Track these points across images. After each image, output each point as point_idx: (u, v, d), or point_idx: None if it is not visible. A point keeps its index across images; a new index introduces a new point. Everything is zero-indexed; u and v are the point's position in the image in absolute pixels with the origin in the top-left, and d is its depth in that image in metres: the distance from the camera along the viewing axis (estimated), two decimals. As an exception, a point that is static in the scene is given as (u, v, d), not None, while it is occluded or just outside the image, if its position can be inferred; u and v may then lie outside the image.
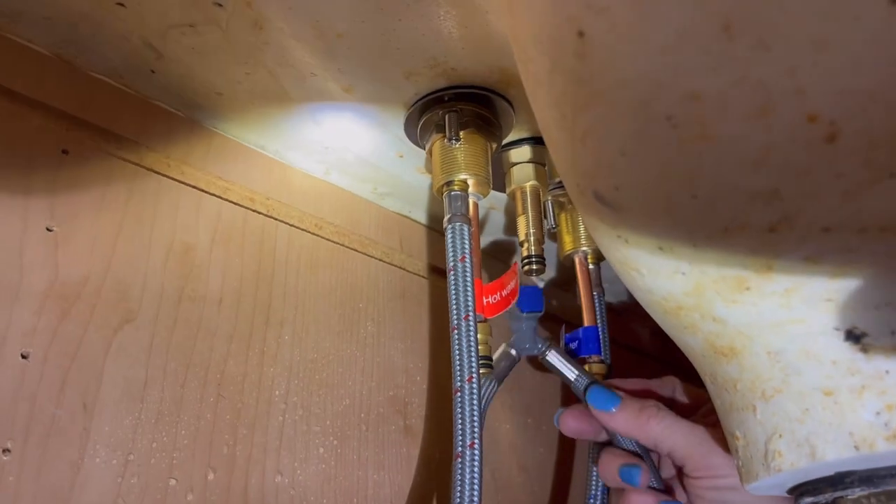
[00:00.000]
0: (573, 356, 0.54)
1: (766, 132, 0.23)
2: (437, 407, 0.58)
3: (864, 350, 0.29)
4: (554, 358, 0.51)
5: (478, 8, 0.39)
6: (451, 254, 0.45)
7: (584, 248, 0.58)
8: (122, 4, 0.40)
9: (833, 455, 0.30)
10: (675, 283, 0.32)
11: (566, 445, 0.68)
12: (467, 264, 0.45)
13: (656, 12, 0.22)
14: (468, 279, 0.44)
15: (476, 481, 0.41)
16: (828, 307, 0.29)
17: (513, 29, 0.30)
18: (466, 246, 0.45)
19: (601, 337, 0.57)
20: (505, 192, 0.57)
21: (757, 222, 0.26)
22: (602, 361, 0.55)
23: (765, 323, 0.31)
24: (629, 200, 0.29)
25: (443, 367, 0.60)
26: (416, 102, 0.48)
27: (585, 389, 0.49)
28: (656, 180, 0.27)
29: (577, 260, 0.59)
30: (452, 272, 0.44)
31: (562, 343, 0.56)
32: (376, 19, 0.40)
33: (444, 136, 0.47)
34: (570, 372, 0.51)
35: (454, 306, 0.44)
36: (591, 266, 0.59)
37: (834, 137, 0.22)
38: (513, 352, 0.50)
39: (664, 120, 0.24)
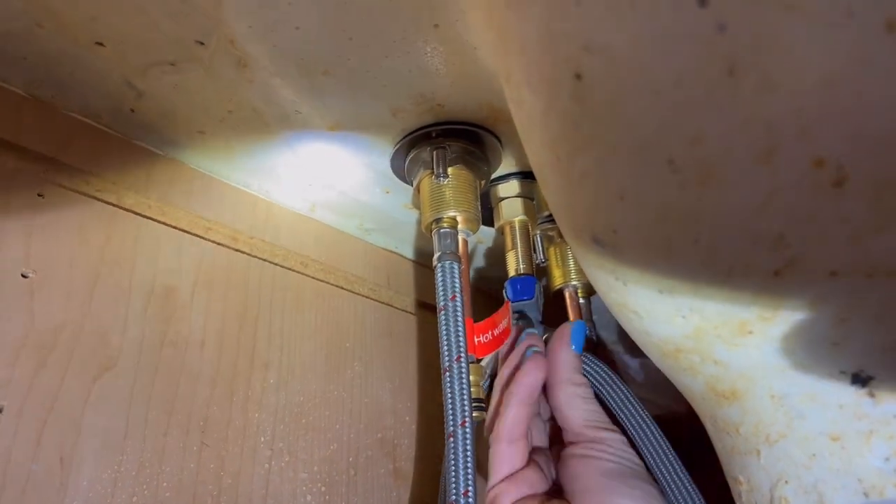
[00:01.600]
0: None
1: (772, 176, 0.22)
2: (427, 448, 0.56)
3: (872, 394, 0.28)
4: None
5: (466, 44, 0.38)
6: (441, 293, 0.44)
7: (574, 283, 0.57)
8: (101, 43, 0.39)
9: (842, 503, 0.29)
10: (674, 326, 0.31)
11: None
12: (458, 303, 0.43)
13: (658, 53, 0.21)
14: (459, 318, 0.43)
15: (471, 530, 0.39)
16: (833, 350, 0.28)
17: (504, 69, 0.29)
18: (457, 284, 0.44)
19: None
20: (493, 226, 0.56)
21: (761, 266, 0.25)
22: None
23: (768, 366, 0.30)
24: (628, 243, 0.28)
25: (432, 406, 0.59)
26: (403, 139, 0.47)
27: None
28: (656, 224, 0.26)
29: (567, 294, 0.58)
30: (443, 311, 0.43)
31: None
32: (362, 56, 0.39)
33: (432, 173, 0.46)
34: None
35: (445, 347, 0.43)
36: (581, 300, 0.58)
37: (841, 182, 0.21)
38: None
39: (665, 163, 0.23)
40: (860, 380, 0.28)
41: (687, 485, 0.46)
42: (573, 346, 0.46)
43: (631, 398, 0.49)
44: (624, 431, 0.45)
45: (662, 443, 0.47)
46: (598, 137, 0.25)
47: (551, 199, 0.31)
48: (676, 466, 0.47)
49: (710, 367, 0.32)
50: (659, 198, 0.25)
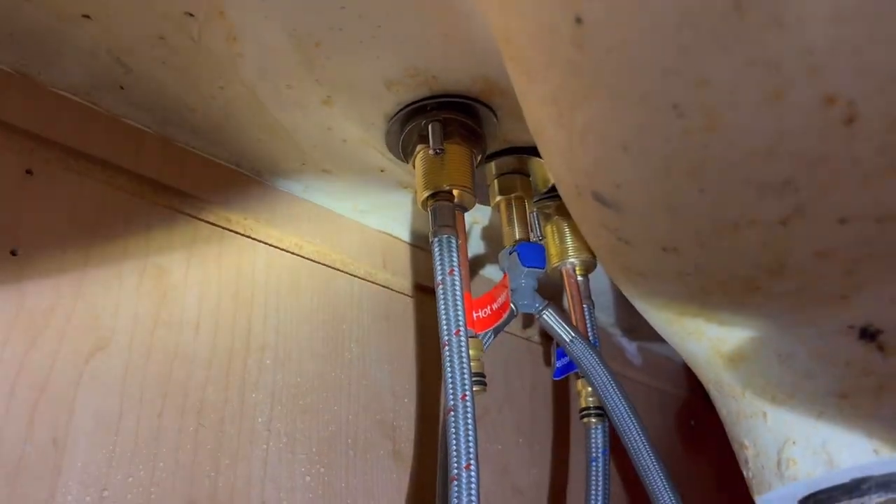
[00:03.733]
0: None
1: (780, 117, 0.22)
2: (426, 430, 0.56)
3: (881, 348, 0.28)
4: (550, 318, 0.52)
5: (460, 13, 0.38)
6: (438, 267, 0.43)
7: (572, 260, 0.57)
8: (87, 16, 0.38)
9: (851, 461, 0.29)
10: (679, 285, 0.30)
11: (560, 465, 0.66)
12: (456, 277, 0.43)
13: (661, -9, 0.21)
14: (458, 293, 0.42)
15: (474, 505, 0.39)
16: (841, 304, 0.27)
17: (503, 25, 0.29)
18: (455, 258, 0.43)
19: (594, 351, 0.55)
20: (489, 204, 0.55)
21: (768, 215, 0.25)
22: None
23: (774, 325, 0.29)
24: (631, 199, 0.27)
25: (431, 389, 0.58)
26: (398, 113, 0.46)
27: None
28: (660, 175, 0.25)
29: (564, 272, 0.58)
30: (441, 286, 0.43)
31: (553, 360, 0.54)
32: (355, 27, 0.39)
33: (428, 147, 0.45)
34: (566, 333, 0.51)
35: (444, 321, 0.42)
36: (579, 278, 0.58)
37: (852, 119, 0.21)
38: (511, 306, 0.50)
39: (670, 109, 0.23)
40: (868, 334, 0.28)
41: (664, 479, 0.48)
42: None
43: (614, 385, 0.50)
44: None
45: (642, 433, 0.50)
46: (600, 85, 0.24)
47: (552, 160, 0.31)
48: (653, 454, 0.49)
49: (716, 329, 0.31)
50: (663, 146, 0.24)
